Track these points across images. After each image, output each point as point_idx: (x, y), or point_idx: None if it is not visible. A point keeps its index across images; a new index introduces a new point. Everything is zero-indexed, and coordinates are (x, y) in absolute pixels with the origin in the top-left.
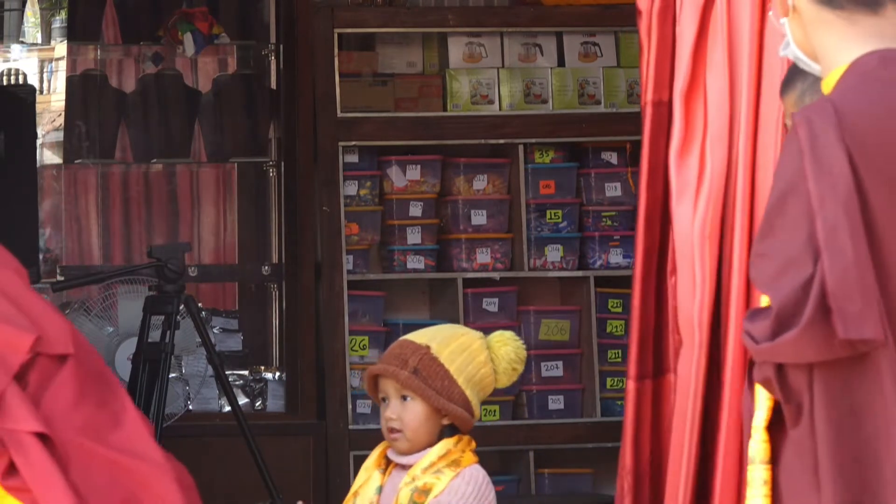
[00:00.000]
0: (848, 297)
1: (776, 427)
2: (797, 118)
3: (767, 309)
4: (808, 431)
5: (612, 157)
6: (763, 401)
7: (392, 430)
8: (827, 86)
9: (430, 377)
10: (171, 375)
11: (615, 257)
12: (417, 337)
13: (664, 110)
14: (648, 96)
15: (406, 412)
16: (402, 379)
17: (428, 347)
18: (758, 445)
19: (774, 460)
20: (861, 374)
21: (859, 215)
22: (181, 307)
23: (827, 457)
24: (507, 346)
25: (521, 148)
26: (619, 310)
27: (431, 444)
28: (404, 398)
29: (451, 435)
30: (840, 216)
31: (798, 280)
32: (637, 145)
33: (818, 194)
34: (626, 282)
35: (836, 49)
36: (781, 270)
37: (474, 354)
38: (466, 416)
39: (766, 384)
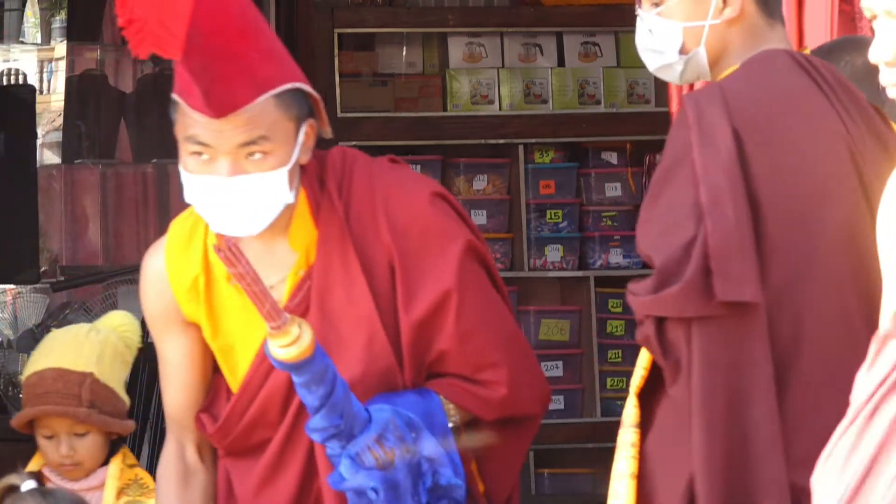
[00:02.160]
0: (728, 259)
1: (648, 393)
2: (686, 100)
3: (651, 270)
4: (685, 387)
5: (612, 157)
6: (638, 368)
7: (64, 465)
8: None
9: (105, 405)
10: None
11: (615, 257)
12: (69, 363)
13: None
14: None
15: (82, 446)
16: (83, 417)
17: (92, 374)
18: (630, 410)
19: (644, 424)
20: (737, 331)
21: (742, 183)
22: None
23: (701, 407)
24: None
25: (521, 148)
26: (619, 310)
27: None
28: (79, 433)
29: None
30: (723, 182)
31: (680, 240)
32: (637, 145)
33: (702, 163)
34: (626, 282)
35: (751, 50)
36: (664, 232)
37: (122, 355)
38: (132, 424)
39: (646, 342)
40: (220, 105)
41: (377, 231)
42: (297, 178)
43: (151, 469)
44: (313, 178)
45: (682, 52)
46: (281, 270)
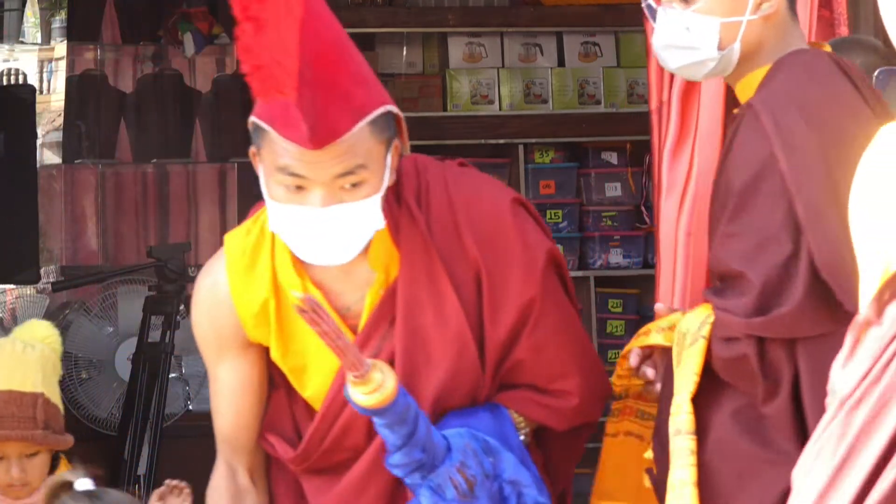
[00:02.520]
0: (842, 273)
1: (702, 400)
2: (758, 107)
3: (739, 284)
4: (786, 405)
5: (612, 157)
6: (690, 374)
7: (10, 486)
8: (756, 77)
9: (55, 423)
10: (172, 375)
11: (615, 257)
12: (18, 384)
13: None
14: (665, 96)
15: (33, 467)
16: (40, 440)
17: (42, 394)
18: (686, 417)
19: (700, 431)
20: (837, 345)
21: (836, 193)
22: (181, 307)
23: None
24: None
25: (521, 148)
26: (619, 310)
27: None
28: (29, 454)
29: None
30: (819, 194)
31: (779, 257)
32: (637, 145)
33: (793, 176)
34: (626, 282)
35: (781, 47)
36: (758, 247)
37: (56, 368)
38: (72, 440)
39: (741, 361)
40: (321, 136)
41: (462, 243)
42: None
43: (152, 469)
44: (389, 193)
45: (720, 48)
46: (360, 289)
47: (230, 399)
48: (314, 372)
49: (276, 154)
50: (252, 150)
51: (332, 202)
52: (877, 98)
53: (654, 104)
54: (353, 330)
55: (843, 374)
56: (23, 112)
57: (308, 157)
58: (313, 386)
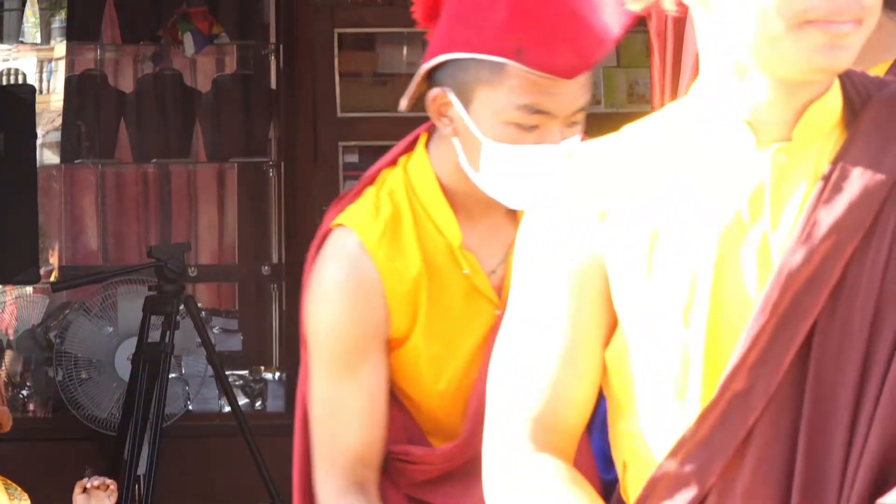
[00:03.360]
0: None
1: None
2: None
3: None
4: None
5: None
6: None
7: None
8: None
9: None
10: (171, 375)
11: None
12: None
13: None
14: (666, 100)
15: None
16: None
17: None
18: None
19: None
20: None
21: None
22: (181, 307)
23: None
24: None
25: None
26: None
27: None
28: None
29: None
30: None
31: None
32: None
33: None
34: None
35: (888, 49)
36: None
37: None
38: None
39: None
40: (580, 64)
41: None
42: None
43: (152, 469)
44: None
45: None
46: (503, 249)
47: (371, 406)
48: (454, 356)
49: (515, 92)
50: (437, 94)
51: (564, 138)
52: None
53: (656, 104)
54: (498, 292)
55: None
56: (23, 112)
57: (560, 88)
58: (450, 373)
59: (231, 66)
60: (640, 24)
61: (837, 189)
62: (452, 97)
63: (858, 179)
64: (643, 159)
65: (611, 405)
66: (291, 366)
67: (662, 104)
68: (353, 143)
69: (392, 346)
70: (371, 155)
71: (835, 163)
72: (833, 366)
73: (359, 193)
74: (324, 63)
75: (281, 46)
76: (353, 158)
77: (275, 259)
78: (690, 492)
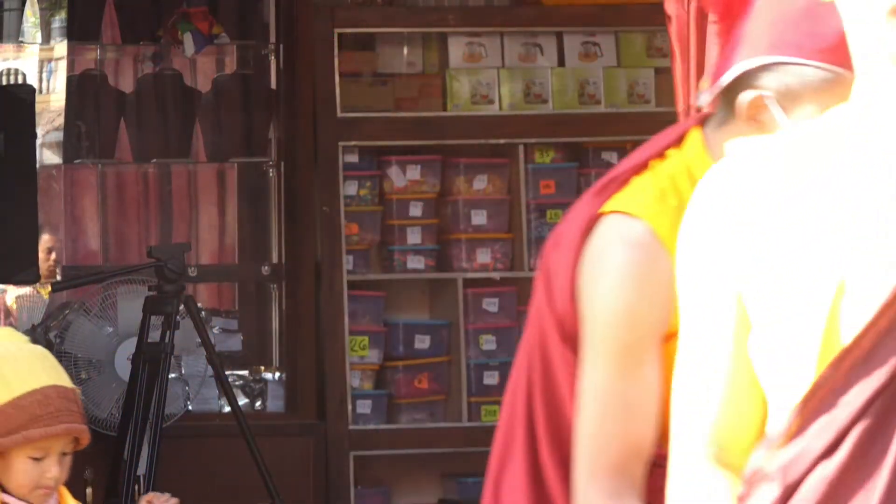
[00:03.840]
0: None
1: None
2: None
3: None
4: None
5: (612, 157)
6: None
7: (42, 487)
8: None
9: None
10: (171, 375)
11: None
12: (61, 379)
13: None
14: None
15: (66, 465)
16: (84, 434)
17: (75, 389)
18: None
19: None
20: None
21: None
22: (181, 307)
23: None
24: None
25: (521, 148)
26: None
27: None
28: (65, 453)
29: None
30: None
31: None
32: (637, 145)
33: None
34: None
35: None
36: None
37: None
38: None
39: None
40: None
41: None
42: None
43: (152, 469)
44: None
45: None
46: None
47: (657, 401)
48: None
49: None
50: (755, 98)
51: None
52: None
53: (680, 107)
54: None
55: None
56: (23, 112)
57: None
58: None
59: (231, 66)
60: (641, 23)
61: None
62: (771, 102)
63: None
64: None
65: None
66: (291, 366)
67: (687, 106)
68: (353, 143)
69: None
70: (371, 155)
71: None
72: None
73: (624, 182)
74: (324, 63)
75: (281, 46)
76: (353, 158)
77: (275, 259)
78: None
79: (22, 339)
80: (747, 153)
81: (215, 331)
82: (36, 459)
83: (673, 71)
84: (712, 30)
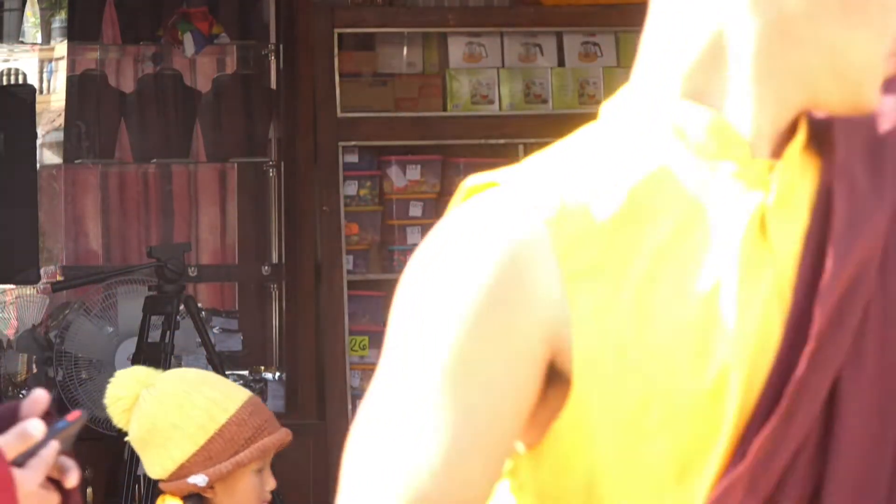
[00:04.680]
0: None
1: None
2: None
3: None
4: None
5: None
6: None
7: (264, 501)
8: None
9: None
10: None
11: None
12: (246, 393)
13: None
14: None
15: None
16: (289, 436)
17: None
18: None
19: None
20: None
21: None
22: (181, 307)
23: None
24: None
25: (521, 148)
26: None
27: None
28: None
29: None
30: None
31: None
32: None
33: None
34: None
35: None
36: None
37: None
38: None
39: None
40: None
41: None
42: None
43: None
44: None
45: None
46: None
47: None
48: None
49: None
50: None
51: None
52: None
53: None
54: None
55: None
56: (23, 112)
57: None
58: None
59: (231, 66)
60: (641, 23)
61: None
62: None
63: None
64: None
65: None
66: (291, 365)
67: None
68: (353, 143)
69: None
70: (371, 155)
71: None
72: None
73: None
74: (324, 63)
75: (281, 46)
76: (353, 158)
77: (275, 259)
78: None
79: (175, 372)
80: None
81: (215, 331)
82: (258, 472)
83: None
84: None
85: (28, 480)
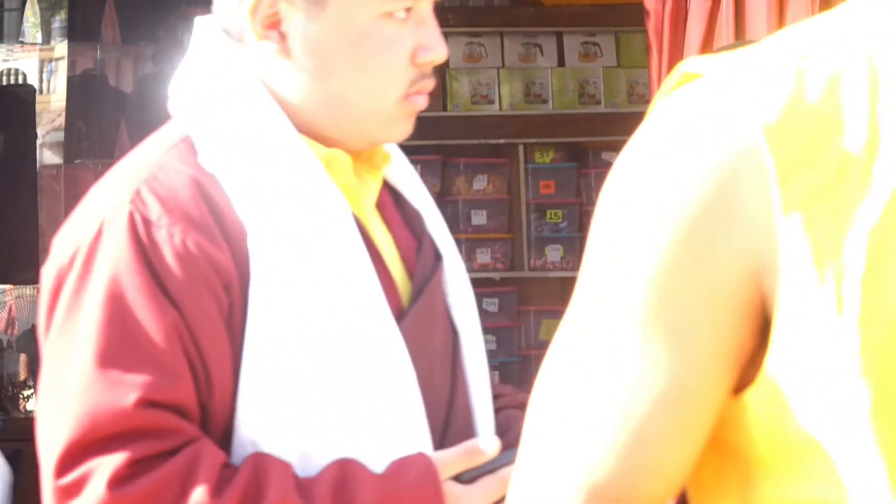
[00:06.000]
0: None
1: None
2: None
3: None
4: None
5: (612, 157)
6: None
7: None
8: None
9: None
10: None
11: None
12: None
13: None
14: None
15: None
16: None
17: None
18: None
19: None
20: None
21: None
22: None
23: None
24: None
25: (521, 148)
26: None
27: None
28: None
29: None
30: None
31: None
32: None
33: None
34: None
35: None
36: None
37: None
38: None
39: None
40: None
41: None
42: None
43: None
44: None
45: None
46: None
47: None
48: None
49: None
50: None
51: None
52: None
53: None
54: None
55: None
56: (23, 112)
57: None
58: None
59: None
60: (641, 23)
61: None
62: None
63: None
64: None
65: (728, 468)
66: None
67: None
68: None
69: None
70: None
71: None
72: None
73: None
74: None
75: None
76: None
77: None
78: None
79: None
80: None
81: None
82: None
83: (649, 68)
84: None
85: (473, 498)
